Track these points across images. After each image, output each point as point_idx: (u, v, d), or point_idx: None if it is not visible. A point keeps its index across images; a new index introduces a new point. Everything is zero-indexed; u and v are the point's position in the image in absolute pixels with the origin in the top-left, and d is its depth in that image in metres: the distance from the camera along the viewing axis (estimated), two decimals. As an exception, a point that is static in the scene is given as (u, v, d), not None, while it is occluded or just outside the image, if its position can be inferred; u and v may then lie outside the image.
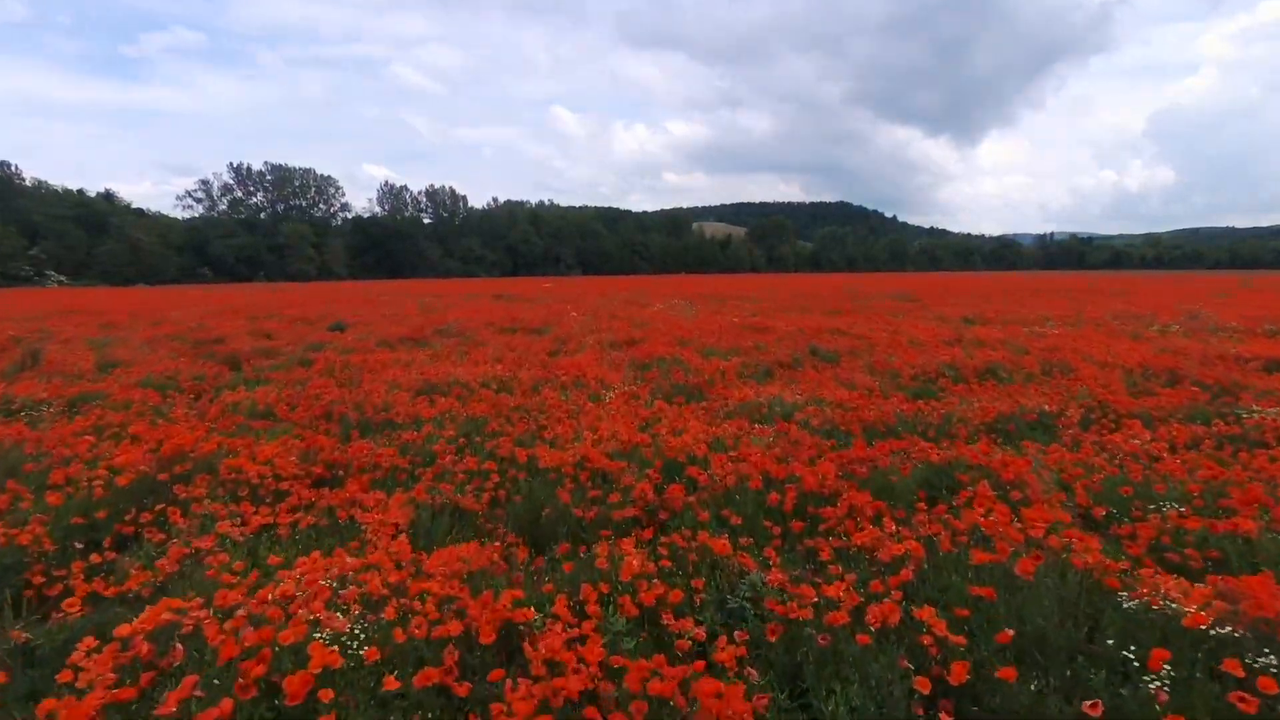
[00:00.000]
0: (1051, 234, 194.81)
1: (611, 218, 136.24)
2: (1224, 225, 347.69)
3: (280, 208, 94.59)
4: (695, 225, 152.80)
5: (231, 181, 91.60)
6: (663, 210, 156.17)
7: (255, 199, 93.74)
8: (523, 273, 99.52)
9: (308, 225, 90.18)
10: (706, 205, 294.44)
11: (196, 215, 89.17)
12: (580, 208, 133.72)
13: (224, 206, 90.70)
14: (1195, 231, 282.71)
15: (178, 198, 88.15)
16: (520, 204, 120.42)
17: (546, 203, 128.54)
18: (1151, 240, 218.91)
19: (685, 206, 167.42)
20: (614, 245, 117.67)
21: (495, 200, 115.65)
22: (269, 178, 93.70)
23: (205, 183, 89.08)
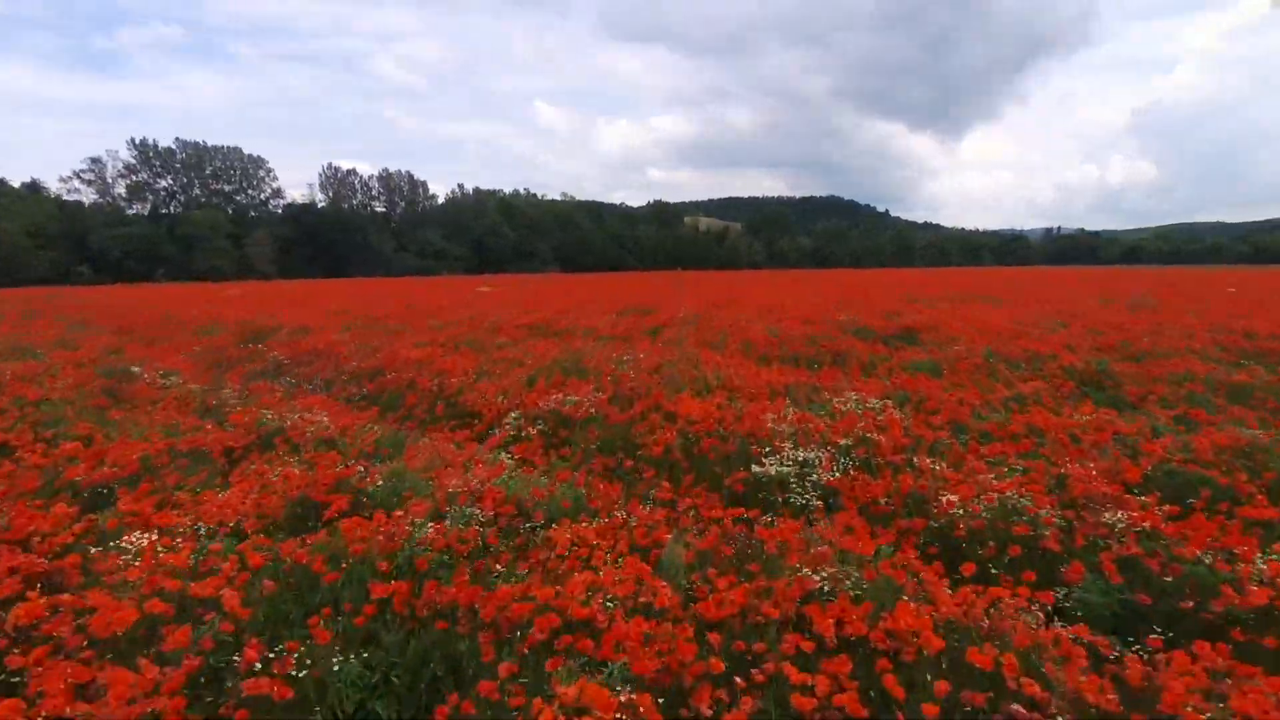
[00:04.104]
0: (1059, 228, 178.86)
1: (596, 212, 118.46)
2: (1212, 220, 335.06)
3: (195, 193, 76.11)
4: (688, 219, 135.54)
5: (134, 161, 73.01)
6: (651, 203, 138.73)
7: (163, 182, 75.16)
8: (491, 269, 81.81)
9: (223, 213, 71.86)
10: (695, 200, 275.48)
11: (86, 203, 70.35)
12: (562, 199, 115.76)
13: (121, 190, 72.07)
14: (1191, 226, 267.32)
15: (61, 179, 69.38)
16: (491, 193, 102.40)
17: (522, 192, 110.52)
18: (1160, 234, 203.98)
19: (673, 202, 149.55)
20: (598, 239, 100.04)
21: (460, 188, 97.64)
22: (180, 156, 75.09)
23: (97, 161, 70.47)
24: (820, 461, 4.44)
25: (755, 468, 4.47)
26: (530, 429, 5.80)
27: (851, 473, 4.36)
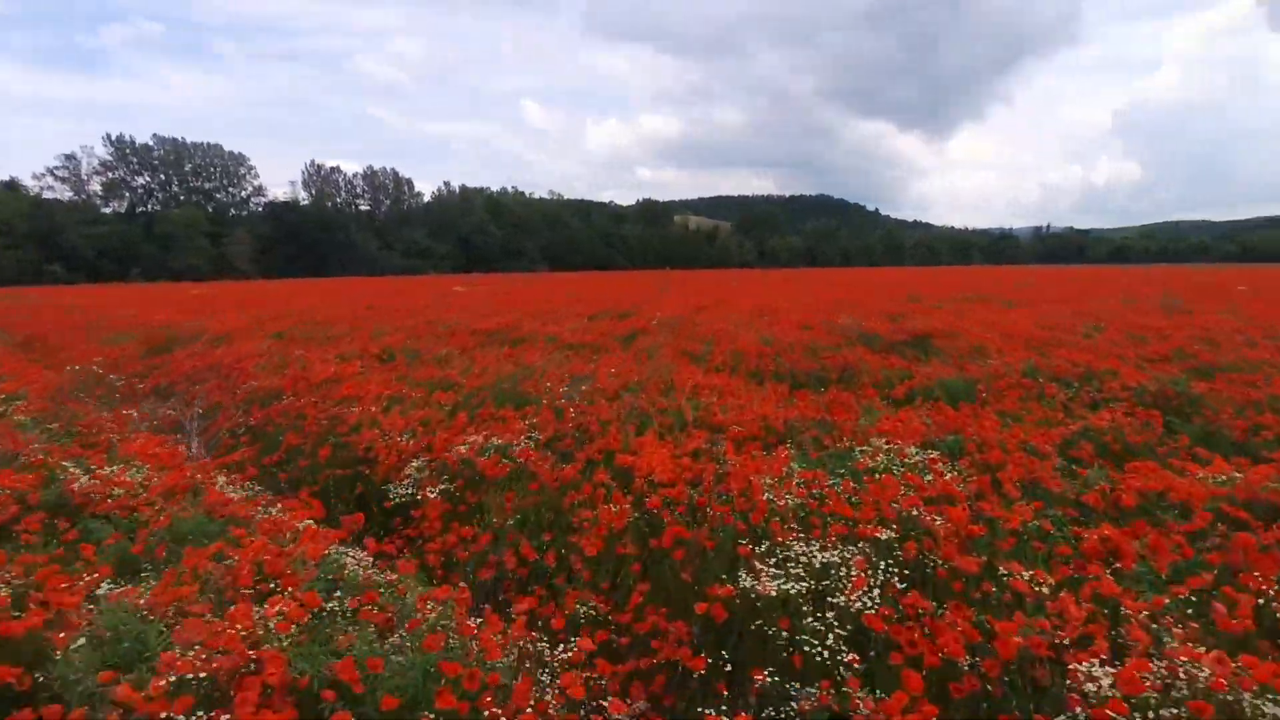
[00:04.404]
0: (1048, 226, 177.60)
1: (585, 210, 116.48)
2: (1197, 219, 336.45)
3: (174, 190, 73.84)
4: (677, 218, 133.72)
5: (111, 158, 70.69)
6: (640, 201, 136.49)
7: (140, 180, 72.82)
8: (479, 268, 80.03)
9: (201, 211, 69.65)
10: (684, 199, 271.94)
11: (63, 200, 67.89)
12: (549, 198, 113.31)
13: (96, 187, 69.71)
14: (1176, 225, 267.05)
15: (34, 175, 66.92)
16: (478, 190, 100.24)
17: (510, 190, 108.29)
18: (1146, 233, 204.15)
19: (661, 200, 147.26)
20: (587, 238, 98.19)
21: (446, 186, 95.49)
22: (157, 153, 72.78)
23: (71, 158, 68.10)
24: (848, 570, 2.76)
25: (745, 578, 2.80)
26: (430, 490, 4.10)
27: (898, 589, 2.68)
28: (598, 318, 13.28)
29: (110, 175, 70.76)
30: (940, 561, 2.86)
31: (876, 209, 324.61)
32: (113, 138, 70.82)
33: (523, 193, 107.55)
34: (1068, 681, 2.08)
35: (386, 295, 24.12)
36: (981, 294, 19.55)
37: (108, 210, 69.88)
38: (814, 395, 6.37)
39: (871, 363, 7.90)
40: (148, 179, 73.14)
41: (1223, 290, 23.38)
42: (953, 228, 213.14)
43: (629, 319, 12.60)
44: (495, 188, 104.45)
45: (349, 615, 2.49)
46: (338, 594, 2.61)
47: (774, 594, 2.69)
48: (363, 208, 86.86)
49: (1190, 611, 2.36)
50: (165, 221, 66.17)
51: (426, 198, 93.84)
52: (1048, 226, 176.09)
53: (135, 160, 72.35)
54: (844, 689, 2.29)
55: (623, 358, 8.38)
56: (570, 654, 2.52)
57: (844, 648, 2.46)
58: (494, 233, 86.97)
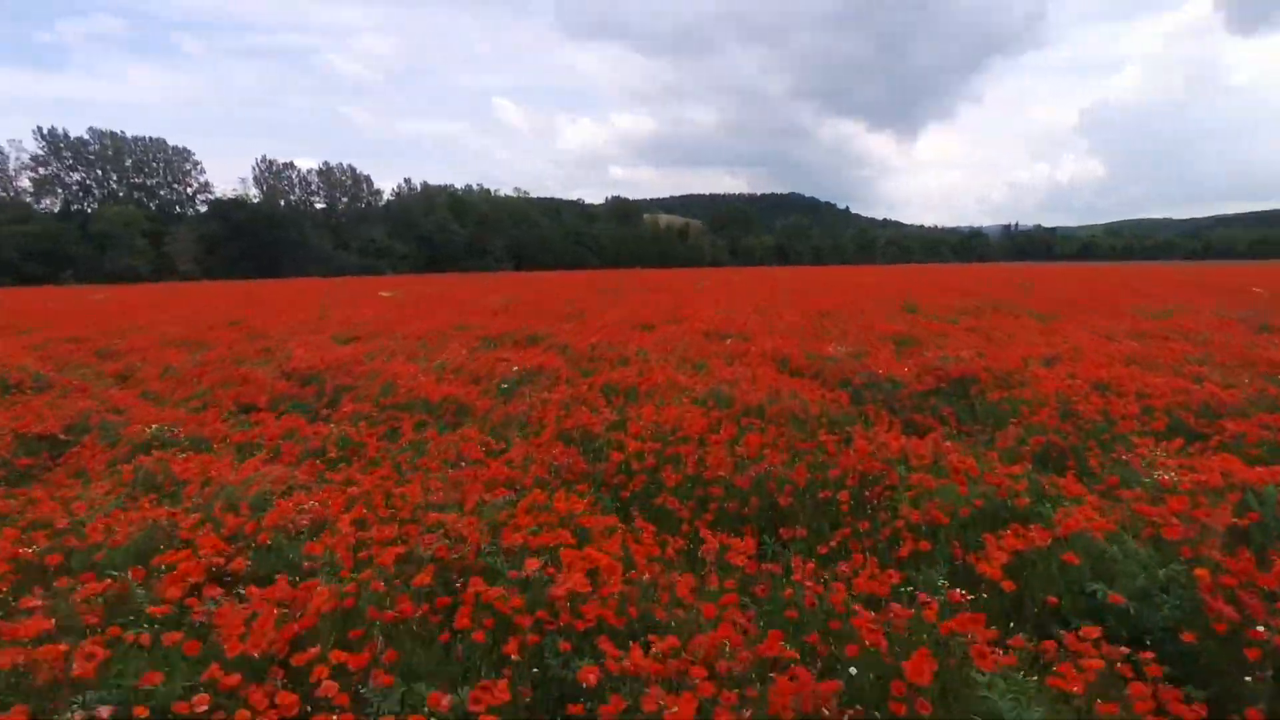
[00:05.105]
0: (1016, 224, 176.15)
1: (554, 209, 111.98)
2: (1159, 217, 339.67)
3: (113, 187, 68.45)
4: (647, 216, 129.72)
5: (42, 153, 65.15)
6: (610, 199, 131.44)
7: (75, 176, 67.31)
8: (441, 267, 75.76)
9: (141, 210, 64.46)
10: (656, 198, 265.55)
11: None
12: (516, 195, 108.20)
13: (25, 184, 64.24)
14: (1139, 222, 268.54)
15: (-46, 173, 61.28)
16: (442, 188, 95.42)
17: (475, 187, 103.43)
18: (1111, 230, 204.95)
19: (632, 198, 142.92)
20: (556, 235, 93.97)
21: (407, 183, 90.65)
22: (94, 148, 67.31)
23: (-2, 153, 62.50)
24: None
25: None
26: None
27: None
28: (497, 344, 9.47)
29: (41, 171, 65.28)
30: None
31: (847, 207, 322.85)
32: (44, 130, 65.37)
33: (488, 190, 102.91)
34: None
35: (283, 303, 20.06)
36: (993, 300, 15.99)
37: (40, 208, 64.53)
38: (814, 583, 2.66)
39: (913, 460, 4.21)
40: (83, 175, 67.68)
41: (1242, 292, 20.31)
42: (923, 226, 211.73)
43: (532, 347, 8.82)
44: (460, 185, 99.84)
45: None
46: None
47: None
48: (318, 205, 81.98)
49: None
50: (101, 220, 60.93)
51: (387, 195, 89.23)
52: (1016, 225, 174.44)
53: (69, 155, 66.86)
54: None
55: (462, 444, 4.61)
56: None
57: None
58: (458, 231, 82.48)
